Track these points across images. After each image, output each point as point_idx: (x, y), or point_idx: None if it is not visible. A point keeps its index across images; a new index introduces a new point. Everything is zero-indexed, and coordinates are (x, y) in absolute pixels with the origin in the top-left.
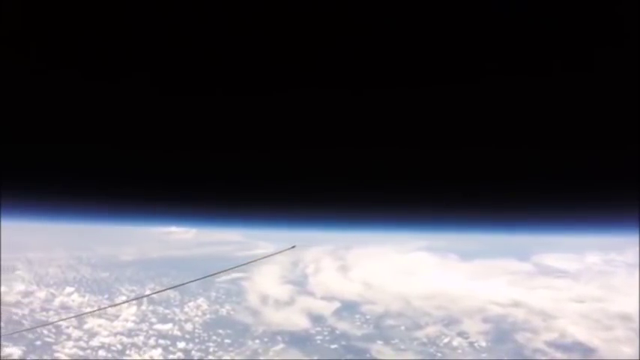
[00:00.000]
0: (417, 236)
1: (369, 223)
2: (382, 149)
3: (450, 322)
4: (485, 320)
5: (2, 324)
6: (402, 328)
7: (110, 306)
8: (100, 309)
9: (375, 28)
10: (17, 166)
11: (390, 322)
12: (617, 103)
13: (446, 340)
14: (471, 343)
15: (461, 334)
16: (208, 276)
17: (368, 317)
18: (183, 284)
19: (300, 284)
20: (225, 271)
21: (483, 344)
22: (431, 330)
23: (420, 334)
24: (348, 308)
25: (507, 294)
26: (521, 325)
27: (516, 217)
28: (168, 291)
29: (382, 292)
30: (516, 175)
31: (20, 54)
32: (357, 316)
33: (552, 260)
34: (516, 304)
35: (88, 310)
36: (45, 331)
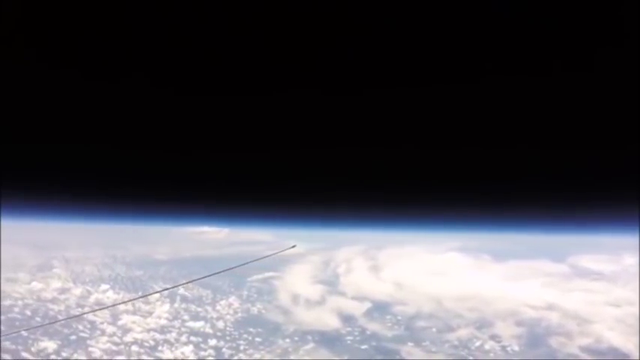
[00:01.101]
0: (449, 236)
1: (370, 223)
2: (382, 149)
3: (482, 324)
4: (519, 323)
5: (38, 319)
6: (434, 329)
7: (129, 300)
8: (118, 303)
9: (374, 28)
10: (17, 166)
11: (421, 323)
12: (617, 103)
13: (478, 344)
14: (504, 347)
15: (493, 337)
16: (213, 274)
17: (399, 318)
18: (189, 282)
19: (332, 284)
20: (230, 269)
21: (516, 348)
22: (463, 332)
23: (451, 336)
24: (379, 309)
25: (541, 296)
26: (555, 329)
27: (516, 216)
28: (200, 290)
29: (414, 292)
30: (516, 175)
31: (20, 54)
32: (388, 316)
33: (588, 262)
34: (550, 307)
35: (121, 306)
36: (80, 326)
